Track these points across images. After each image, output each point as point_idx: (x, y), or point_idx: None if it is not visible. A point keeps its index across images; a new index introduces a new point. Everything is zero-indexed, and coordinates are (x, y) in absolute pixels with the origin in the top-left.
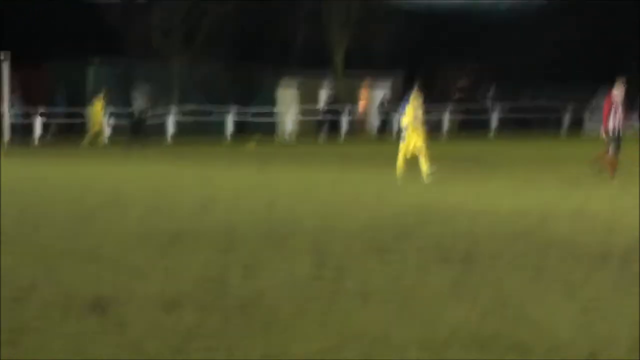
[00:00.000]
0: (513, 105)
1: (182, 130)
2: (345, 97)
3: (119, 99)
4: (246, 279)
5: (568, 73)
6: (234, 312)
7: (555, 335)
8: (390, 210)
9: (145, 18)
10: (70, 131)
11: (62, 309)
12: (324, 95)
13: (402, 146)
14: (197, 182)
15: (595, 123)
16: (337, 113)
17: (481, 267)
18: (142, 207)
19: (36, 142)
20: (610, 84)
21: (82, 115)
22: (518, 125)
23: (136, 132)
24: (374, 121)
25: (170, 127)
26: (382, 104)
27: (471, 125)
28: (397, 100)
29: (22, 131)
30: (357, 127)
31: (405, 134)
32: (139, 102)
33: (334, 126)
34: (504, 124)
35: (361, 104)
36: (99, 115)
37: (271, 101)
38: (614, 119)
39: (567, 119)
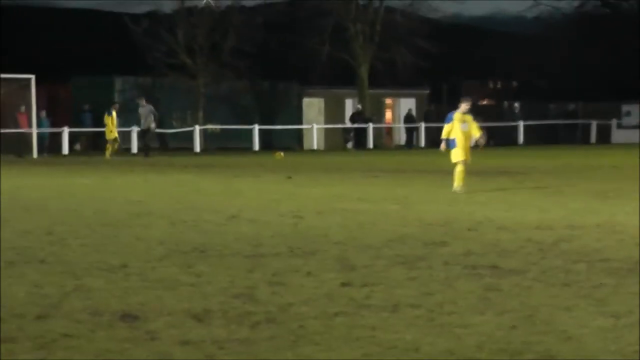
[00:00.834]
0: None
1: (209, 143)
2: (370, 111)
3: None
4: (273, 292)
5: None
6: (262, 324)
7: (585, 347)
8: (417, 223)
9: (170, 34)
10: (96, 146)
11: (91, 322)
12: (349, 109)
13: (455, 154)
14: (223, 195)
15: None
16: (363, 126)
17: (509, 280)
18: (168, 219)
19: (64, 156)
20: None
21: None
22: (545, 136)
23: (142, 148)
24: (400, 134)
25: (197, 141)
26: (406, 116)
27: (498, 137)
28: (421, 114)
29: (49, 147)
30: (383, 140)
31: (455, 145)
32: (144, 119)
33: (360, 139)
34: (531, 135)
35: (387, 118)
36: (114, 124)
37: (296, 116)
38: None
39: (594, 128)
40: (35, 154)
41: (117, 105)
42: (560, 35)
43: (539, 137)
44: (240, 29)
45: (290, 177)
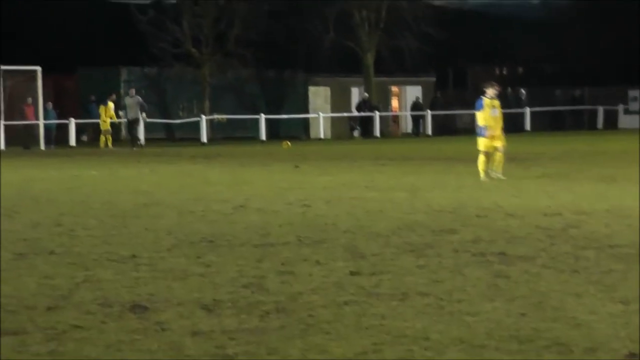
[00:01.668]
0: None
1: (216, 133)
2: (377, 99)
3: (151, 105)
4: (282, 281)
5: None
6: (272, 314)
7: (594, 333)
8: (425, 211)
9: (176, 24)
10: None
11: (102, 313)
12: (356, 97)
13: (482, 143)
14: (231, 184)
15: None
16: (370, 115)
17: (518, 267)
18: (177, 210)
19: (71, 147)
20: None
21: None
22: (552, 122)
23: (132, 138)
24: (407, 122)
25: (204, 130)
26: (413, 104)
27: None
28: (428, 102)
29: (56, 139)
30: (390, 128)
31: (486, 132)
32: (132, 110)
33: (367, 127)
34: (537, 122)
35: (393, 106)
36: (108, 115)
37: (303, 104)
38: None
39: (601, 114)
40: (42, 146)
41: (113, 96)
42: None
43: (546, 123)
44: (245, 17)
45: (297, 166)
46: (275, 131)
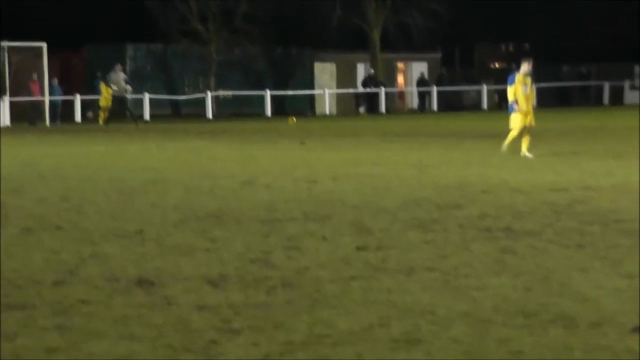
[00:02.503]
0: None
1: (222, 109)
2: (383, 75)
3: (157, 82)
4: (289, 256)
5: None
6: (279, 289)
7: (600, 307)
8: (431, 186)
9: (182, 1)
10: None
11: (109, 288)
12: (362, 74)
13: (516, 119)
14: (238, 161)
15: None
16: (376, 91)
17: (524, 242)
18: (183, 186)
19: (77, 124)
20: None
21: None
22: (558, 98)
23: (131, 115)
24: (413, 98)
25: (210, 107)
26: (419, 80)
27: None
28: (433, 78)
29: (61, 115)
30: (396, 104)
31: (517, 107)
32: (116, 85)
33: (373, 103)
34: (544, 98)
35: (399, 82)
36: (109, 92)
37: (309, 81)
38: None
39: (607, 90)
40: (47, 122)
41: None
42: None
43: (553, 100)
44: None
45: (303, 143)
46: (281, 107)
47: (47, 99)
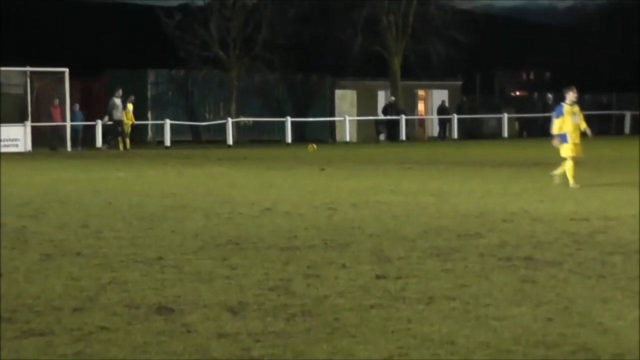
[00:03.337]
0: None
1: (242, 136)
2: (403, 103)
3: (178, 108)
4: (308, 284)
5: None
6: (298, 317)
7: (621, 339)
8: (451, 215)
9: (203, 27)
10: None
11: (128, 315)
12: (382, 101)
13: (566, 149)
14: (257, 187)
15: None
16: (396, 118)
17: (544, 272)
18: (203, 212)
19: (98, 149)
20: None
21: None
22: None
23: (122, 138)
24: (433, 126)
25: (230, 133)
26: (439, 108)
27: (531, 129)
28: (454, 106)
29: (82, 140)
30: (416, 132)
31: (568, 138)
32: (118, 110)
33: (393, 131)
34: None
35: (419, 110)
36: (129, 117)
37: (329, 108)
38: None
39: (628, 119)
40: (68, 147)
41: (132, 98)
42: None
43: None
44: (273, 21)
45: (323, 170)
46: (301, 134)
47: (68, 124)
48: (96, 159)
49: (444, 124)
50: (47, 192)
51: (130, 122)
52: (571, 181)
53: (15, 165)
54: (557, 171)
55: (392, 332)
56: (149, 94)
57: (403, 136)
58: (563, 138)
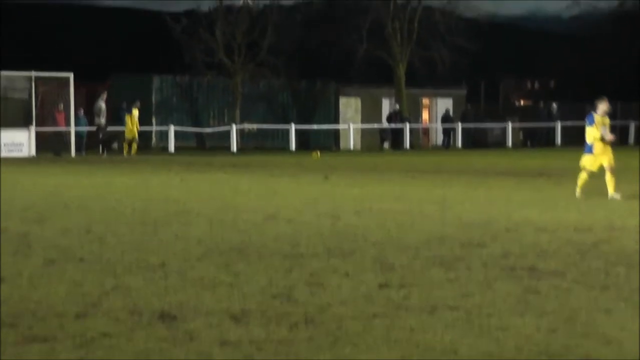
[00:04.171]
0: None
1: (246, 142)
2: (408, 111)
3: (182, 113)
4: (311, 292)
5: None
6: (301, 325)
7: (625, 349)
8: (455, 224)
9: (209, 33)
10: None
11: (130, 321)
12: (386, 108)
13: (588, 160)
14: (261, 194)
15: None
16: (400, 126)
17: (548, 282)
18: (206, 219)
19: (101, 155)
20: None
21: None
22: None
23: (103, 144)
24: (437, 134)
25: (234, 140)
26: (444, 116)
27: (535, 138)
28: (458, 114)
29: (86, 145)
30: (420, 140)
31: (594, 150)
32: (103, 115)
33: (398, 139)
34: (569, 136)
35: (424, 118)
36: (134, 123)
37: (333, 115)
38: None
39: (632, 129)
40: (72, 153)
41: (137, 103)
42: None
43: (577, 139)
44: (278, 27)
45: (327, 177)
46: (306, 141)
47: (72, 129)
48: (100, 164)
49: (448, 133)
50: (51, 197)
51: (135, 128)
52: (577, 191)
53: (19, 170)
54: (610, 190)
55: (395, 341)
56: (153, 99)
57: (407, 144)
58: (589, 149)
